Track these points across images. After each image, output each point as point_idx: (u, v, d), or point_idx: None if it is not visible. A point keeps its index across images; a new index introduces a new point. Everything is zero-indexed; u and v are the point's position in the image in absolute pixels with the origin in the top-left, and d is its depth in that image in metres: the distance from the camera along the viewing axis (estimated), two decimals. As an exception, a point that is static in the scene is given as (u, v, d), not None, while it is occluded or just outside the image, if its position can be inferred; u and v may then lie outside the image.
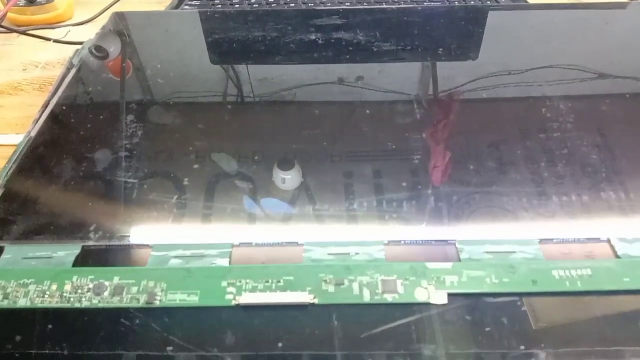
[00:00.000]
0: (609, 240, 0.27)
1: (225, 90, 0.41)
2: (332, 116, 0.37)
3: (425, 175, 0.31)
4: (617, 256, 0.26)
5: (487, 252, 0.27)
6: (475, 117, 0.37)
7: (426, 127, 0.35)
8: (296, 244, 0.27)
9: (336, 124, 0.36)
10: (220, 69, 0.43)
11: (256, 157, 0.32)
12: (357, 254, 0.27)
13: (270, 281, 0.25)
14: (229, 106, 0.39)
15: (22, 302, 0.25)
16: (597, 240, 0.27)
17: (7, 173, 0.32)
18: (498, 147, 0.33)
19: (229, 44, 0.46)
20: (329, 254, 0.27)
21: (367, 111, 0.37)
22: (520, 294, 0.25)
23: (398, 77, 0.42)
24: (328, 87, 0.40)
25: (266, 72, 0.42)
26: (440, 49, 0.45)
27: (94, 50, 0.45)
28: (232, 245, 0.27)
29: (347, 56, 0.44)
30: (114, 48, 0.46)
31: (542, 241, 0.27)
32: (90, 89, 0.40)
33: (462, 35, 0.47)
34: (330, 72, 0.41)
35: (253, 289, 0.25)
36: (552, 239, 0.27)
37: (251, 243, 0.27)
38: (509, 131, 0.35)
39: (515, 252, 0.27)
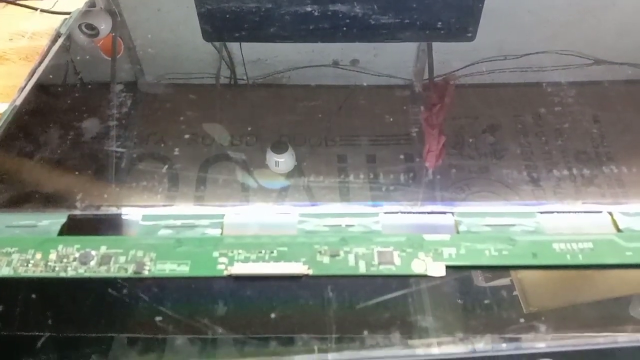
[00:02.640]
0: (611, 214, 0.26)
1: (218, 72, 0.40)
2: (326, 99, 0.36)
3: (422, 153, 0.30)
4: (619, 230, 0.26)
5: (486, 225, 0.26)
6: (471, 101, 0.36)
7: (421, 111, 0.34)
8: (290, 215, 0.27)
9: (331, 108, 0.35)
10: (214, 50, 0.42)
11: (249, 139, 0.31)
12: (352, 225, 0.26)
13: (263, 252, 0.25)
14: (222, 88, 0.38)
15: (5, 272, 0.24)
16: (599, 213, 0.27)
17: (-10, 141, 0.31)
18: (497, 129, 0.32)
19: (222, 17, 0.45)
20: (324, 225, 0.26)
21: (362, 94, 0.36)
22: (520, 267, 0.24)
23: (394, 59, 0.41)
24: (323, 70, 0.39)
25: (260, 52, 0.41)
26: (439, 23, 0.44)
27: (84, 28, 0.43)
28: (224, 216, 0.26)
29: (344, 29, 0.42)
30: (104, 26, 0.44)
31: (542, 214, 0.27)
32: (78, 57, 0.39)
33: (460, 11, 0.46)
34: (326, 54, 0.40)
35: (245, 260, 0.24)
36: (553, 212, 0.27)
37: (244, 214, 0.27)
38: (507, 112, 0.34)
39: (514, 224, 0.26)
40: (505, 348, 0.22)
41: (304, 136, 0.32)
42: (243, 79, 0.38)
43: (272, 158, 0.30)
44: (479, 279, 0.24)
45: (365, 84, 0.37)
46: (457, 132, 0.32)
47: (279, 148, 0.30)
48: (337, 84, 0.37)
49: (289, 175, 0.29)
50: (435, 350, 0.22)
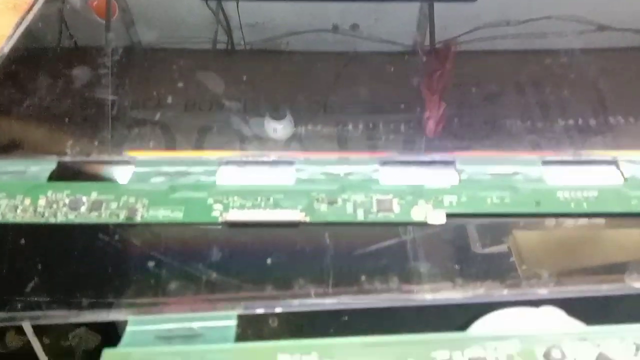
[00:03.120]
0: (616, 162, 0.26)
1: (216, 35, 0.39)
2: (326, 66, 0.35)
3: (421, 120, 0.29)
4: (625, 178, 0.25)
5: (488, 174, 0.25)
6: (472, 67, 0.35)
7: (422, 77, 0.33)
8: (287, 163, 0.26)
9: (330, 74, 0.34)
10: (210, 14, 0.40)
11: (246, 106, 0.30)
12: (351, 174, 0.25)
13: (259, 199, 0.24)
14: (219, 53, 0.37)
15: (-7, 217, 0.23)
16: (604, 162, 0.26)
17: (-22, 89, 0.30)
18: (498, 96, 0.31)
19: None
20: (322, 173, 0.25)
21: (362, 61, 0.35)
22: (523, 215, 0.24)
23: (394, 25, 0.39)
24: (322, 35, 0.38)
25: (258, 15, 0.39)
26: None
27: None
28: (219, 163, 0.26)
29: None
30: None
31: (545, 163, 0.26)
32: (68, 7, 0.37)
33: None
34: (325, 19, 0.38)
35: (241, 207, 0.24)
36: (557, 161, 0.26)
37: (240, 161, 0.26)
38: (508, 79, 0.32)
39: (517, 173, 0.25)
40: (506, 294, 0.21)
41: (302, 103, 0.31)
42: (240, 44, 0.37)
43: (270, 125, 0.29)
44: (475, 245, 0.24)
45: (365, 50, 0.36)
46: (458, 100, 0.31)
47: (277, 115, 0.29)
48: (336, 50, 0.36)
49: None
50: (433, 296, 0.21)
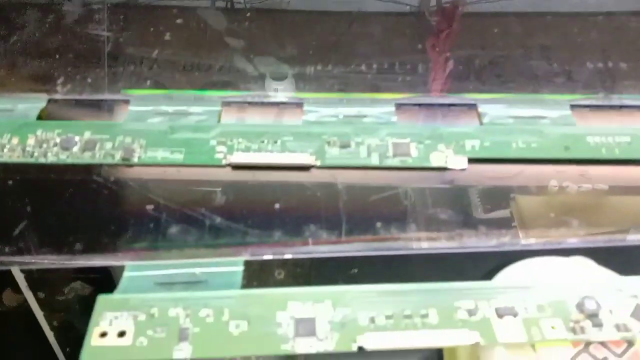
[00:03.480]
0: (650, 107, 0.24)
1: None
2: (329, 26, 0.32)
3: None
4: (659, 124, 0.23)
5: (512, 117, 0.24)
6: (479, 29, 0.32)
7: (428, 36, 0.30)
8: (296, 103, 0.24)
9: (333, 34, 0.31)
10: None
11: (248, 67, 0.28)
12: (365, 116, 0.24)
13: (265, 141, 0.22)
14: (219, 11, 0.34)
15: (-22, 157, 0.21)
16: (637, 106, 0.24)
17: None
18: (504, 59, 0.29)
19: None
20: (332, 115, 0.24)
21: (366, 21, 0.32)
22: (550, 161, 0.22)
23: None
24: None
25: None
26: None
27: None
28: (222, 103, 0.24)
29: None
30: None
31: (574, 107, 0.24)
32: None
33: None
34: None
35: (246, 149, 0.22)
36: (587, 105, 0.24)
37: (244, 102, 0.24)
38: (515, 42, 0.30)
39: (545, 117, 0.24)
40: (534, 243, 0.20)
41: (304, 64, 0.29)
42: (240, 2, 0.35)
43: (271, 85, 0.27)
44: (477, 211, 0.22)
45: (369, 10, 0.33)
46: (464, 62, 0.29)
47: (278, 75, 0.27)
48: (339, 9, 0.34)
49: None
50: (455, 245, 0.20)
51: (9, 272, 0.24)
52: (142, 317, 0.17)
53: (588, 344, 0.17)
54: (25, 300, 0.27)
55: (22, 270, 0.24)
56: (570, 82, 0.25)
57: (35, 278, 0.25)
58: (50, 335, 0.28)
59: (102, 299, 0.17)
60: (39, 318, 0.27)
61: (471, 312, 0.17)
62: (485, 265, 0.20)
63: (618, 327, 0.17)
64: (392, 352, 0.16)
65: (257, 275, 0.26)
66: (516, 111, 0.24)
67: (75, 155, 0.21)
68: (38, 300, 0.27)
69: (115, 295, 0.17)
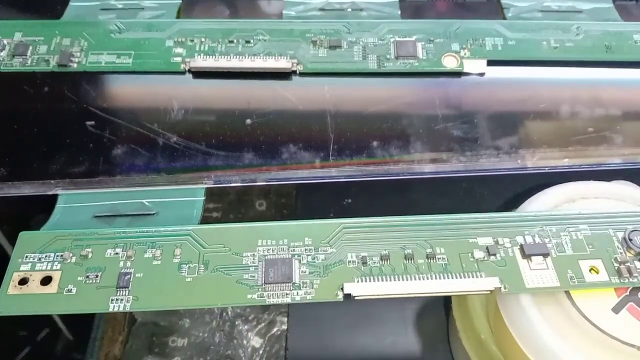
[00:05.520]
0: None
1: None
2: None
3: None
4: None
5: (542, 11, 0.19)
6: None
7: None
8: (274, -5, 0.20)
9: None
10: None
11: None
12: (360, 10, 0.19)
13: (235, 41, 0.18)
14: None
15: None
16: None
17: None
18: None
19: None
20: (320, 9, 0.19)
21: None
22: (588, 63, 0.18)
23: None
24: None
25: None
26: None
27: None
28: (182, -5, 0.19)
29: None
30: None
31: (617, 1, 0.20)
32: None
33: None
34: None
35: (210, 52, 0.18)
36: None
37: (210, -6, 0.20)
38: None
39: (581, 11, 0.19)
40: (566, 163, 0.16)
41: None
42: None
43: None
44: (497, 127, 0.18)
45: None
46: None
47: None
48: None
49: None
50: (468, 166, 0.16)
51: None
52: (72, 259, 0.13)
53: (636, 289, 0.13)
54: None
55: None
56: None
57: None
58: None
59: (24, 237, 0.14)
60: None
61: (490, 251, 0.13)
62: (507, 194, 0.16)
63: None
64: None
65: (235, 206, 0.22)
66: (548, 3, 0.19)
67: (4, 62, 0.17)
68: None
69: (41, 232, 0.14)
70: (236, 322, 0.19)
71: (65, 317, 0.20)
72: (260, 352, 0.18)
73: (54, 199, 0.15)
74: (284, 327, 0.19)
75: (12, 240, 0.22)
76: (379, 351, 0.18)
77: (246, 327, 0.19)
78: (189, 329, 0.19)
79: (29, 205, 0.19)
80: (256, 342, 0.18)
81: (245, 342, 0.18)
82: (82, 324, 0.19)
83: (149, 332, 0.19)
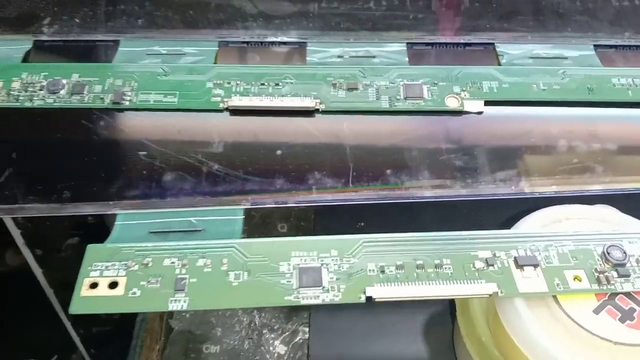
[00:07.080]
0: (682, 47, 0.22)
1: None
2: None
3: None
4: (691, 64, 0.22)
5: (533, 57, 0.22)
6: None
7: None
8: (299, 44, 0.22)
9: None
10: None
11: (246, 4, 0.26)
12: (373, 57, 0.22)
13: (266, 84, 0.21)
14: None
15: (-40, 101, 0.20)
16: (667, 46, 0.22)
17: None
18: None
19: None
20: (339, 56, 0.22)
21: None
22: (573, 103, 0.20)
23: None
24: None
25: None
26: None
27: None
28: (219, 44, 0.22)
29: None
30: None
31: (598, 47, 0.22)
32: None
33: None
34: None
35: (245, 92, 0.20)
36: (611, 46, 0.22)
37: (242, 41, 0.22)
38: None
39: (566, 58, 0.22)
40: (555, 190, 0.18)
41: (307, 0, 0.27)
42: None
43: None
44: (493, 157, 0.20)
45: None
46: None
47: (279, 13, 0.25)
48: None
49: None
50: (470, 192, 0.18)
51: (9, 232, 0.23)
52: (134, 267, 0.16)
53: (613, 295, 0.16)
54: (27, 263, 0.26)
55: (18, 227, 0.23)
56: (595, 21, 0.23)
57: (32, 235, 0.24)
58: (50, 293, 0.27)
59: (91, 249, 0.16)
60: (38, 276, 0.27)
61: (488, 262, 0.16)
62: (503, 215, 0.19)
63: (646, 278, 0.16)
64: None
65: (259, 229, 0.25)
66: (537, 51, 0.22)
67: (63, 99, 0.20)
68: (36, 257, 0.26)
69: (107, 245, 0.16)
70: (263, 331, 0.21)
71: (107, 328, 0.22)
72: (285, 358, 0.20)
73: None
74: (306, 336, 0.21)
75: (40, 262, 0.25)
76: (392, 357, 0.20)
77: (272, 335, 0.21)
78: (221, 337, 0.21)
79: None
80: (281, 349, 0.21)
81: (271, 349, 0.20)
82: (124, 334, 0.22)
83: (185, 339, 0.21)
